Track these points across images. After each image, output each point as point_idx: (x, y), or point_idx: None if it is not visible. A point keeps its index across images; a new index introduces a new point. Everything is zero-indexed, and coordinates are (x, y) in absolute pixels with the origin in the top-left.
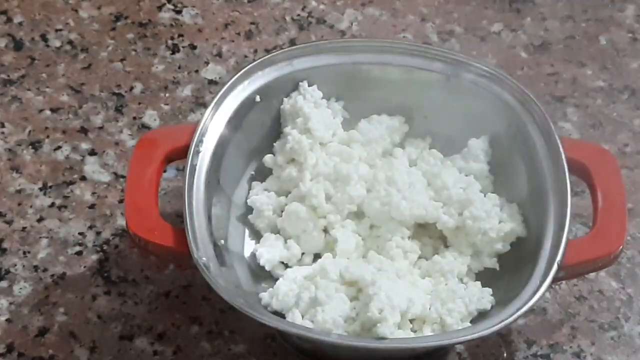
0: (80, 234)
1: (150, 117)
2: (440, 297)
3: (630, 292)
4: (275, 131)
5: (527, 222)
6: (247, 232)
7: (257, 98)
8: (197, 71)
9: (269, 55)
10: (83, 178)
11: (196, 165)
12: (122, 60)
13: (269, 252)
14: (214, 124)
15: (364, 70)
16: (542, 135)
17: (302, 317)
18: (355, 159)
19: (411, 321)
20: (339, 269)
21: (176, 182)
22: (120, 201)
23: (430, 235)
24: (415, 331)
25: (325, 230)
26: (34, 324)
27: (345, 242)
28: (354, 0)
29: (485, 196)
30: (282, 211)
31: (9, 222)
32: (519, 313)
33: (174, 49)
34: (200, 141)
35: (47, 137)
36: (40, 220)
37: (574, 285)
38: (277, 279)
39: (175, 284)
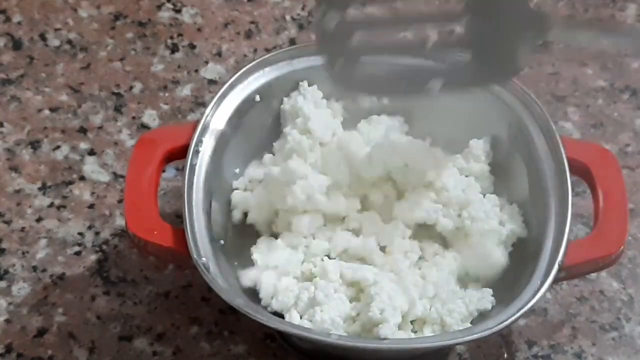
0: (79, 234)
1: (150, 117)
2: (441, 297)
3: (631, 292)
4: (275, 131)
5: (528, 222)
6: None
7: (257, 98)
8: (196, 71)
9: (268, 55)
10: (82, 178)
11: (196, 165)
12: (121, 59)
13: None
14: (214, 123)
15: None
16: (543, 135)
17: (301, 317)
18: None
19: (411, 322)
20: (340, 270)
21: (175, 182)
22: (120, 201)
23: (430, 236)
24: (415, 332)
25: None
26: (32, 325)
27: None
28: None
29: (485, 197)
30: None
31: (8, 222)
32: (519, 314)
33: (174, 49)
34: (200, 141)
35: (46, 136)
36: (39, 220)
37: (575, 285)
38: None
39: (174, 285)
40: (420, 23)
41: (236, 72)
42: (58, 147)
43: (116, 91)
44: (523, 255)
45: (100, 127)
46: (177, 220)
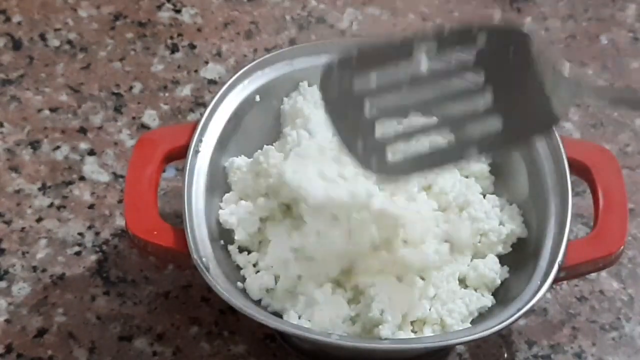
0: (79, 234)
1: (150, 117)
2: (441, 297)
3: (631, 292)
4: (275, 131)
5: (528, 222)
6: None
7: (257, 98)
8: (196, 71)
9: (268, 55)
10: (82, 178)
11: (195, 165)
12: (121, 59)
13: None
14: (214, 123)
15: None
16: (543, 135)
17: (299, 317)
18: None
19: (412, 322)
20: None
21: (176, 182)
22: (120, 201)
23: None
24: (415, 332)
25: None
26: (32, 325)
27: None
28: (354, 0)
29: (485, 197)
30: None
31: (8, 222)
32: (519, 313)
33: (174, 49)
34: (200, 141)
35: (46, 137)
36: (39, 220)
37: (575, 285)
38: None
39: (174, 285)
40: (443, 102)
41: (236, 72)
42: (58, 147)
43: (116, 91)
44: (523, 255)
45: (100, 127)
46: (177, 220)
